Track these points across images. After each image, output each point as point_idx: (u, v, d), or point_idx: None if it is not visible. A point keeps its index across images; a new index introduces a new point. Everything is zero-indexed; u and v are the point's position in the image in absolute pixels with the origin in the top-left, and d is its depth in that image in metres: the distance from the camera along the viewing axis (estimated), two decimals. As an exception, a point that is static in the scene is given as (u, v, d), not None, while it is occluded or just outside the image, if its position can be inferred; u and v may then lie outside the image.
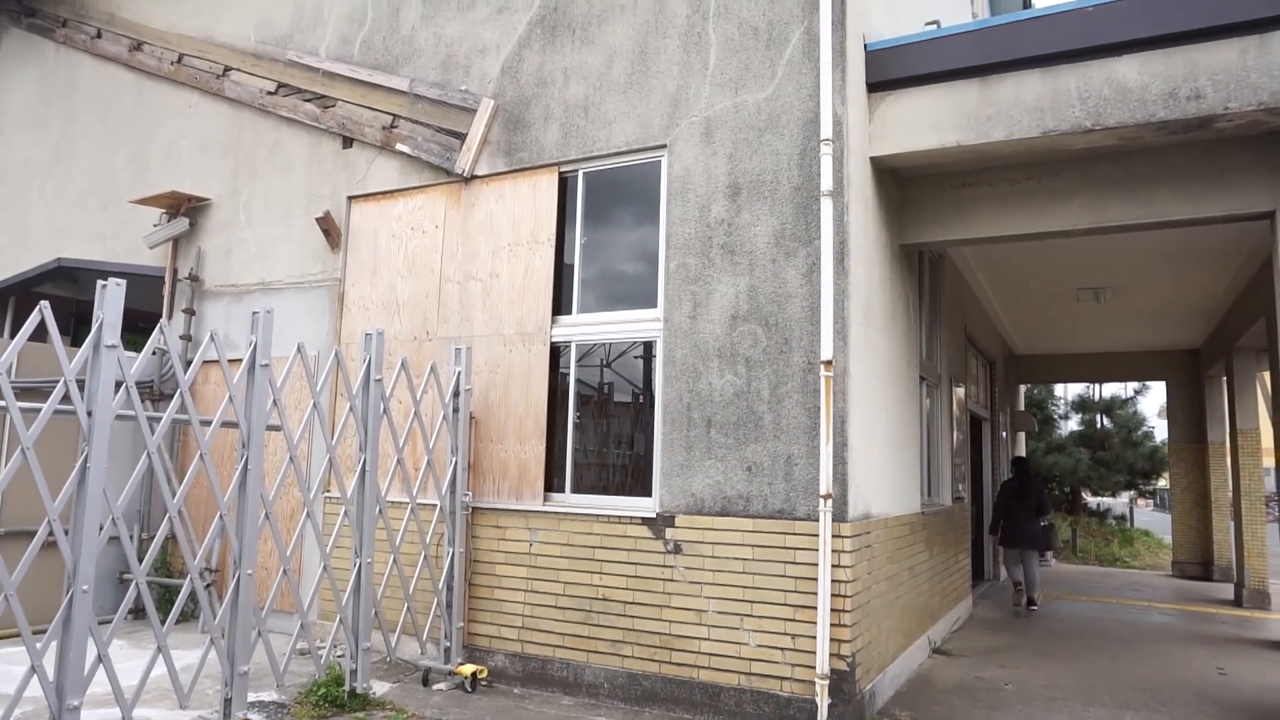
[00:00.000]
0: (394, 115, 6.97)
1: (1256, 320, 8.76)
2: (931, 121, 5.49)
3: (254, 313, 4.57)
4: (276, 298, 7.33)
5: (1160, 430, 20.26)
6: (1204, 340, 12.96)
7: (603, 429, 5.96)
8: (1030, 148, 5.45)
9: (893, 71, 5.58)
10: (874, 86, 5.61)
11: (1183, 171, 5.55)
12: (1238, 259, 8.45)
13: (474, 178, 6.49)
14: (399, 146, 6.82)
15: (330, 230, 7.06)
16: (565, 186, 6.19)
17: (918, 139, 5.52)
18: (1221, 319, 11.18)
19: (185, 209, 8.00)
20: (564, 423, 5.99)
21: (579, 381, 6.05)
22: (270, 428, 4.75)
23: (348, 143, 7.22)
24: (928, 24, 7.44)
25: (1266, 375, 11.52)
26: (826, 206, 4.98)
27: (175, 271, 7.97)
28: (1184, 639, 8.12)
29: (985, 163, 5.87)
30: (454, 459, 5.88)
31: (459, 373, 5.96)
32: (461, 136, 6.59)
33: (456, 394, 5.95)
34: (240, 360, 4.62)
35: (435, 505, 5.89)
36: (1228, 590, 11.64)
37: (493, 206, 6.39)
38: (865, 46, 5.61)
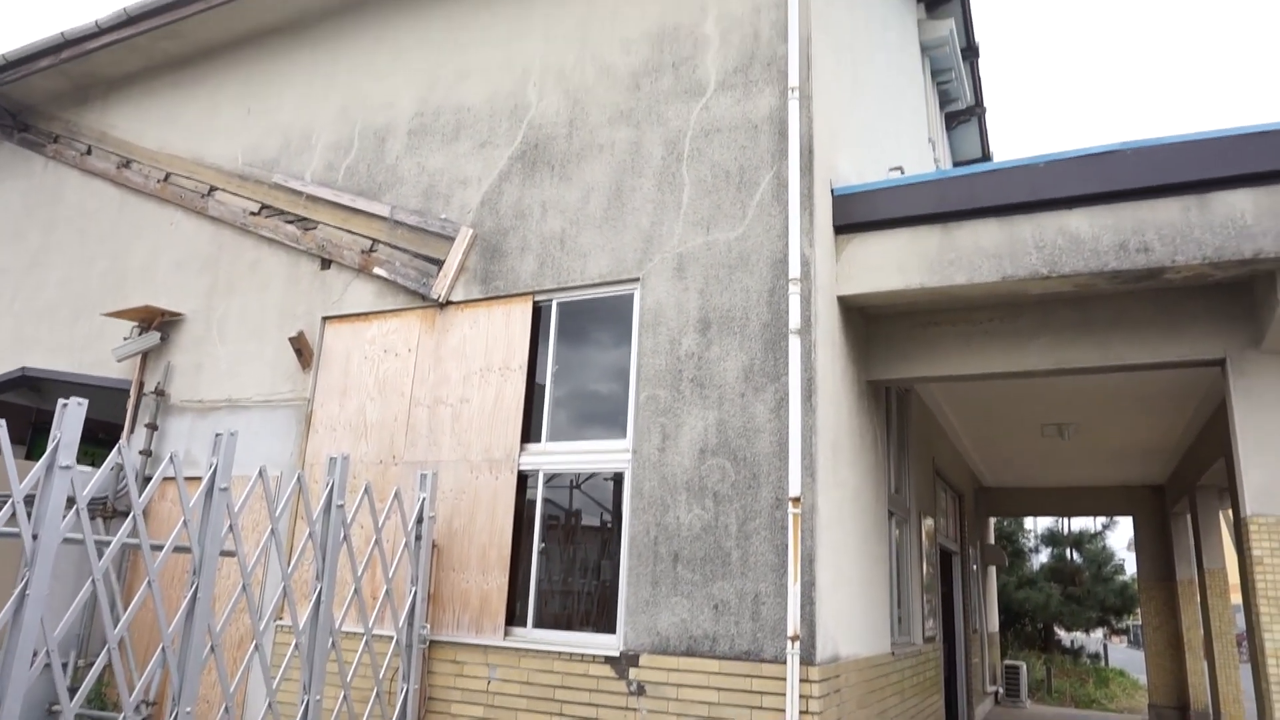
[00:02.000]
0: (374, 240, 7.11)
1: (1216, 460, 8.90)
2: (896, 264, 5.68)
3: (216, 434, 4.50)
4: (243, 416, 7.25)
5: (1130, 564, 20.21)
6: (1167, 477, 13.12)
7: (569, 557, 5.84)
8: (991, 291, 5.64)
9: (858, 215, 5.82)
10: (841, 229, 5.83)
11: (1138, 318, 5.76)
12: (1195, 400, 8.66)
13: (449, 303, 6.58)
14: (377, 270, 6.93)
15: (302, 350, 7.06)
16: (539, 315, 6.28)
17: (883, 280, 5.70)
18: (1183, 457, 11.36)
19: (158, 323, 7.99)
20: (529, 552, 5.86)
21: (547, 502, 5.96)
22: (224, 553, 4.60)
23: (326, 264, 7.32)
24: (891, 170, 7.82)
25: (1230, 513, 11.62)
26: (794, 344, 5.08)
27: (142, 385, 7.88)
28: (1164, 791, 7.84)
29: (948, 304, 6.06)
30: (414, 589, 5.70)
31: (424, 499, 5.86)
32: (439, 263, 6.71)
33: (420, 521, 5.83)
34: (200, 478, 4.52)
35: (392, 637, 5.67)
36: (1206, 737, 11.35)
37: (466, 332, 6.45)
38: (832, 191, 5.86)
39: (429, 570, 5.87)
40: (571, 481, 5.97)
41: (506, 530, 5.86)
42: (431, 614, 5.89)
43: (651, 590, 5.24)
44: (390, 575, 5.50)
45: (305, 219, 7.57)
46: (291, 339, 7.07)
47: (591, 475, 5.86)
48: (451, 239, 6.70)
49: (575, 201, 6.26)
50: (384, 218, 7.12)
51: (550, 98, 6.69)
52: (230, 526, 4.47)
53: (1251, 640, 5.50)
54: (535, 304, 6.27)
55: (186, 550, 4.35)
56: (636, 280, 5.86)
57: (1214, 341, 5.58)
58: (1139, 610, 14.71)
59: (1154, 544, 13.89)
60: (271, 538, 4.77)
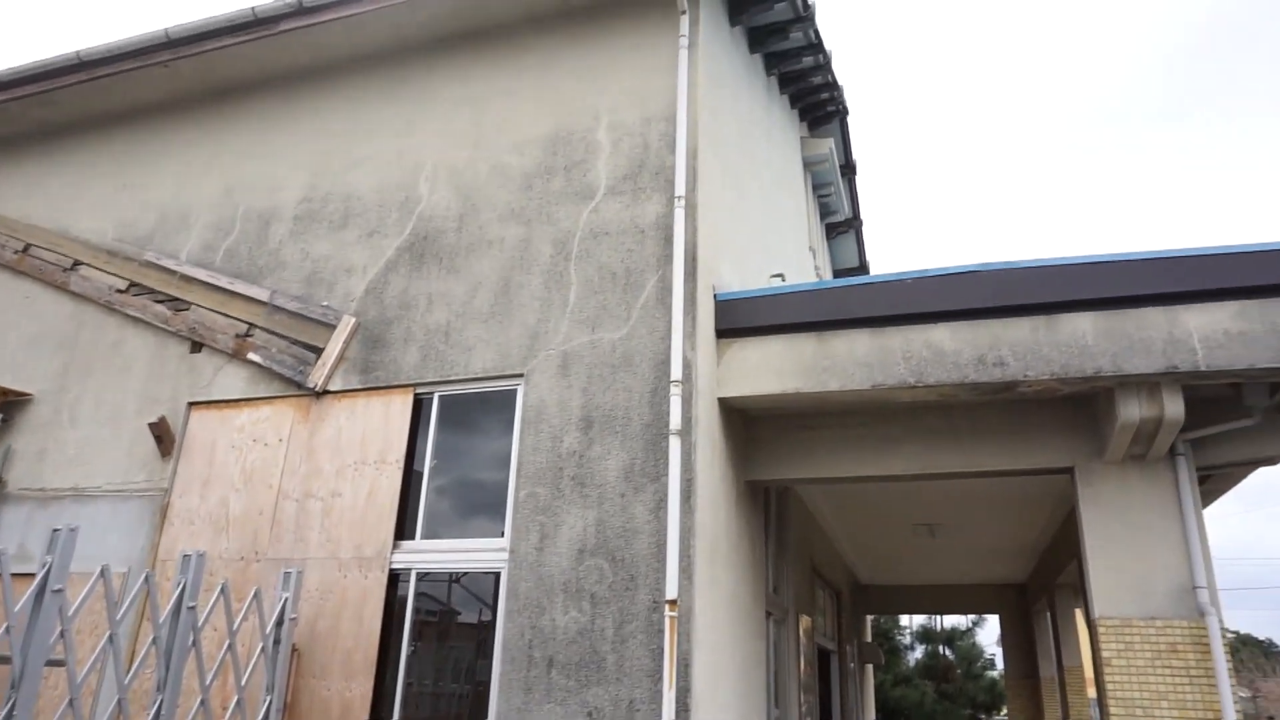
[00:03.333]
0: (250, 324, 6.87)
1: (1070, 561, 9.38)
2: (774, 369, 5.87)
3: (55, 529, 4.16)
4: (90, 506, 6.73)
5: (999, 660, 20.82)
6: (1028, 576, 13.71)
7: (441, 659, 5.59)
8: (863, 398, 5.89)
9: (740, 321, 6.02)
10: (722, 333, 6.00)
11: (996, 427, 6.10)
12: (1050, 504, 9.16)
13: (326, 393, 6.38)
14: (251, 356, 6.67)
15: (163, 436, 6.67)
16: (419, 408, 6.15)
17: (762, 384, 5.87)
18: (1041, 557, 11.93)
19: (0, 404, 7.41)
20: (397, 656, 5.58)
21: (423, 598, 5.71)
22: (52, 663, 4.19)
23: (196, 347, 7.01)
24: (773, 277, 8.17)
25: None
26: (674, 444, 5.14)
27: (-25, 471, 7.23)
28: None
29: (824, 408, 6.28)
30: (268, 698, 5.31)
31: (286, 599, 5.53)
32: (318, 351, 6.53)
33: (280, 623, 5.48)
34: (34, 575, 4.13)
35: (239, 752, 5.23)
36: (1070, 835, 11.59)
37: (342, 423, 6.25)
38: (715, 296, 6.05)
39: (287, 677, 5.49)
40: (451, 577, 5.76)
41: (374, 633, 5.58)
42: (287, 725, 5.49)
43: (524, 697, 5.05)
44: (243, 683, 5.12)
45: (177, 299, 7.27)
46: (152, 424, 6.67)
47: (486, 575, 5.68)
48: (333, 326, 6.54)
49: (462, 295, 6.25)
50: (263, 302, 6.91)
51: (442, 192, 6.74)
52: (61, 633, 4.09)
53: (1105, 740, 5.72)
54: (416, 396, 6.15)
55: (6, 660, 3.95)
56: (521, 376, 5.85)
57: (1063, 451, 5.96)
58: (1007, 708, 15.10)
59: (1018, 641, 14.39)
60: (110, 644, 4.39)
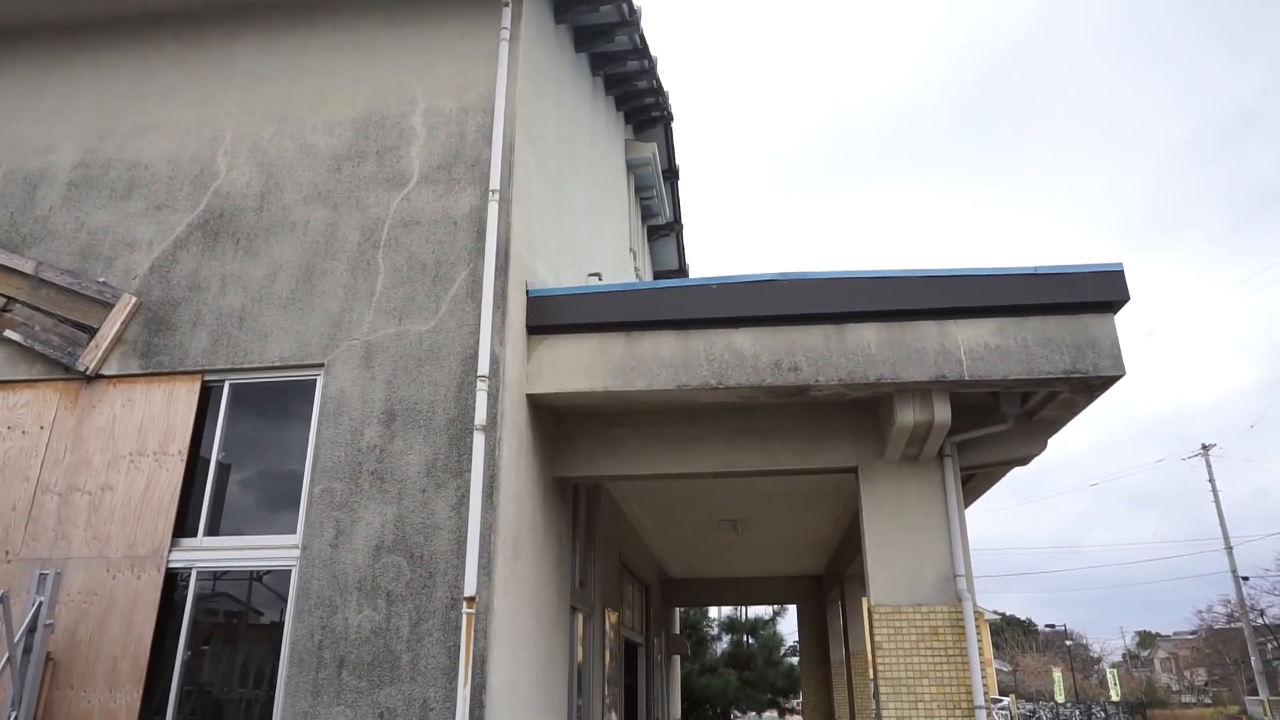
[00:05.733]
0: (9, 298, 6.18)
1: (858, 554, 10.08)
2: (584, 367, 5.95)
3: None
4: None
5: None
6: (824, 569, 14.62)
7: (225, 665, 5.25)
8: (668, 398, 6.07)
9: (551, 318, 6.05)
10: (533, 329, 6.01)
11: (792, 428, 6.47)
12: (842, 501, 9.82)
13: (100, 377, 5.84)
14: (9, 333, 6.00)
15: (-105, 422, 5.87)
16: (208, 396, 5.76)
17: (571, 381, 5.92)
18: (834, 551, 12.75)
19: None
20: (171, 661, 5.20)
21: (206, 602, 5.35)
22: None
23: (-58, 323, 6.22)
24: (590, 276, 8.26)
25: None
26: (479, 440, 5.10)
27: None
28: None
29: (631, 407, 6.42)
30: (13, 714, 4.81)
31: (40, 603, 5.02)
32: (92, 331, 5.96)
33: (33, 630, 4.98)
34: None
35: (-23, 775, 4.71)
36: (850, 808, 12.48)
37: (118, 411, 5.74)
38: (528, 292, 6.05)
39: (38, 689, 4.99)
40: (252, 575, 5.42)
41: (145, 638, 5.17)
42: (38, 742, 4.98)
43: (311, 701, 4.85)
44: (-17, 698, 4.61)
45: (-81, 267, 6.41)
46: (-119, 408, 5.86)
47: (270, 571, 5.37)
48: (110, 305, 6.00)
49: (260, 279, 5.91)
50: (26, 274, 6.23)
51: (242, 168, 6.34)
52: None
53: (877, 714, 6.20)
54: (205, 384, 5.75)
55: None
56: (321, 366, 5.60)
57: (850, 451, 6.41)
58: (802, 691, 16.03)
59: (813, 629, 15.33)
60: None
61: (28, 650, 4.93)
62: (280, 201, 6.15)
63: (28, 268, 6.25)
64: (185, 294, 5.97)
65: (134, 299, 5.98)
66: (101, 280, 6.13)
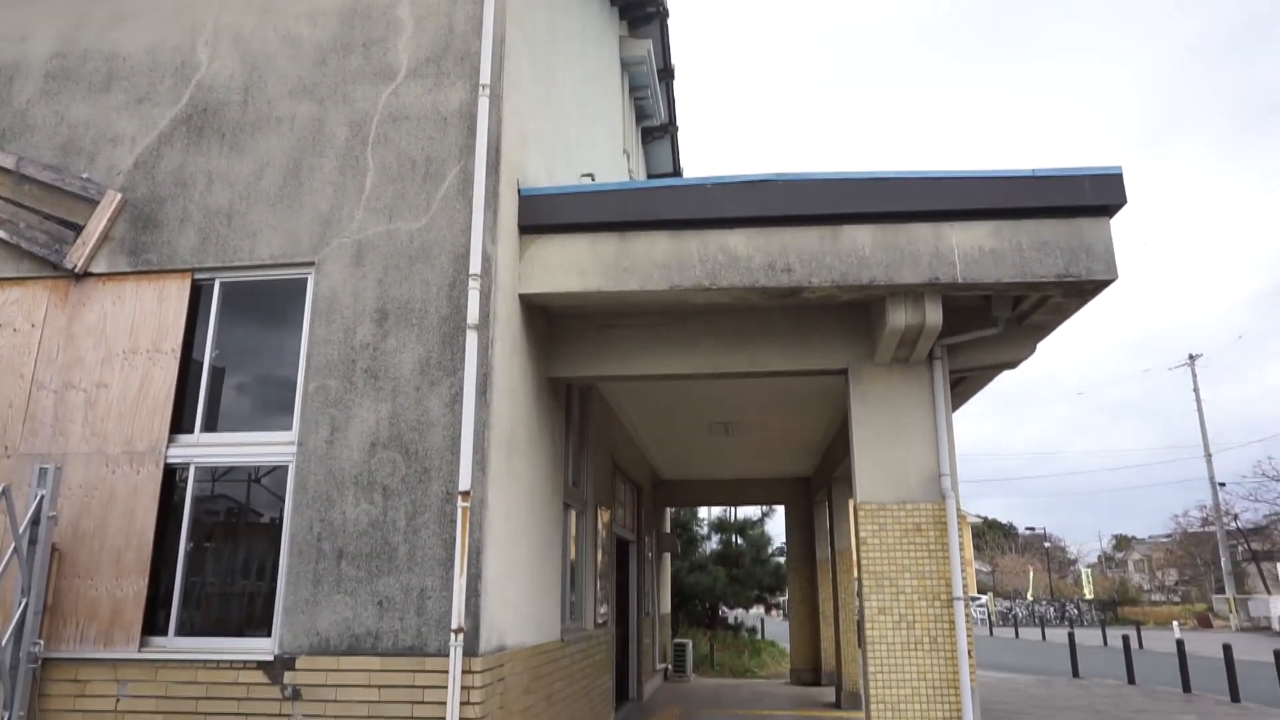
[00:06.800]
0: (-8, 195, 6.07)
1: (846, 456, 10.29)
2: (577, 267, 5.92)
3: None
4: None
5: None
6: (812, 471, 14.93)
7: (226, 557, 5.40)
8: (660, 299, 6.07)
9: (543, 217, 5.99)
10: (525, 229, 5.96)
11: (783, 330, 6.50)
12: (832, 404, 9.95)
13: (88, 275, 5.80)
14: (-6, 231, 5.93)
15: (-115, 319, 5.85)
16: (199, 295, 5.74)
17: (564, 281, 5.91)
18: (824, 454, 13.00)
19: None
20: (174, 553, 5.34)
21: (208, 498, 5.46)
22: None
23: (-76, 219, 6.12)
24: (583, 176, 8.15)
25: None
26: (471, 339, 5.12)
27: None
28: (792, 746, 8.94)
29: (624, 308, 6.43)
30: (24, 600, 4.96)
31: (42, 496, 5.12)
32: (78, 228, 5.89)
33: (37, 522, 5.09)
34: None
35: (-8, 658, 4.88)
36: (832, 693, 13.08)
37: (108, 309, 5.73)
38: (519, 191, 5.97)
39: (46, 578, 5.13)
40: (250, 475, 5.51)
41: (148, 530, 5.29)
42: (49, 628, 5.16)
43: (313, 589, 5.01)
44: (-7, 586, 4.74)
45: (-103, 161, 6.28)
46: None
47: (271, 471, 5.45)
48: (95, 202, 5.91)
49: (247, 175, 5.81)
50: (8, 170, 6.10)
51: (225, 60, 6.15)
52: None
53: (860, 608, 6.44)
54: (195, 282, 5.72)
55: None
56: (311, 265, 5.56)
57: (840, 354, 6.46)
58: (788, 588, 16.58)
59: (800, 529, 15.75)
60: None
61: (33, 541, 5.05)
62: (265, 95, 5.99)
63: (9, 163, 6.12)
64: (171, 190, 5.87)
65: (119, 195, 5.89)
66: (85, 176, 6.02)
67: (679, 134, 15.18)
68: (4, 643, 4.85)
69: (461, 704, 4.64)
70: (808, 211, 5.83)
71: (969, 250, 5.67)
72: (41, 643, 5.07)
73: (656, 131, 14.56)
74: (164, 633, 5.21)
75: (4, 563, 4.93)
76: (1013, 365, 6.66)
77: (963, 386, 7.62)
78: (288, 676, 4.89)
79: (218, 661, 4.98)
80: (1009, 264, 5.62)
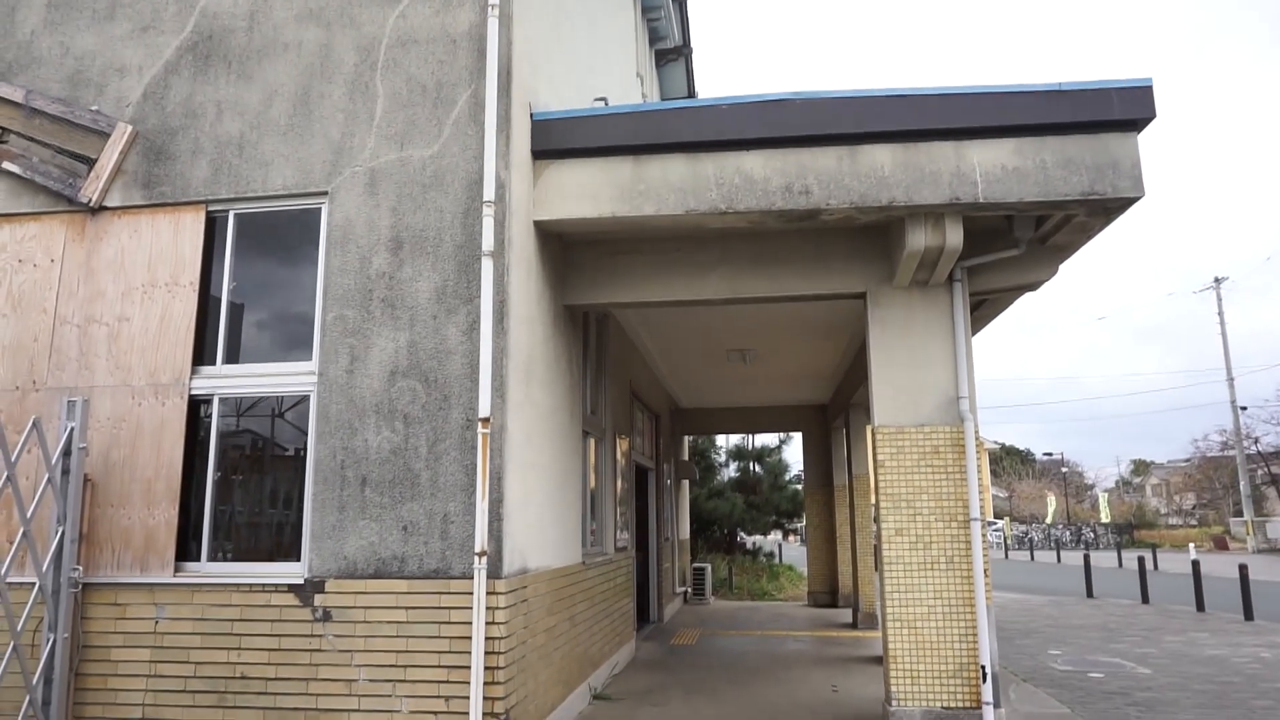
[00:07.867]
0: (3, 129, 6.04)
1: (863, 383, 10.28)
2: (591, 192, 5.85)
3: None
4: None
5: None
6: (830, 397, 14.95)
7: (253, 487, 5.51)
8: (676, 223, 6.00)
9: (556, 142, 5.90)
10: (539, 154, 5.88)
11: (800, 254, 6.43)
12: (849, 330, 9.91)
13: (103, 209, 5.80)
14: (7, 165, 5.92)
15: (-93, 256, 5.89)
16: (214, 227, 5.73)
17: (578, 207, 5.85)
18: (841, 380, 12.99)
19: None
20: (203, 483, 5.46)
21: (233, 434, 5.56)
22: None
23: (-62, 155, 6.11)
24: (596, 100, 7.99)
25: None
26: (487, 266, 5.10)
27: None
28: (811, 662, 9.17)
29: (640, 233, 6.37)
30: (61, 529, 5.10)
31: (72, 428, 5.21)
32: (90, 162, 5.87)
33: (68, 453, 5.19)
34: None
35: (34, 584, 5.05)
36: (849, 615, 13.35)
37: (125, 242, 5.74)
38: (531, 115, 5.87)
39: (80, 508, 5.27)
40: (273, 410, 5.58)
41: (176, 461, 5.40)
42: (86, 555, 5.32)
43: (338, 515, 5.12)
44: (29, 515, 4.87)
45: (-93, 97, 6.24)
46: (-109, 242, 5.87)
47: (296, 404, 5.51)
48: (106, 134, 5.87)
49: (256, 104, 5.74)
50: (17, 103, 6.06)
51: (227, -16, 6.01)
52: None
53: (878, 533, 6.52)
54: (209, 214, 5.71)
55: None
56: (325, 194, 5.53)
57: (858, 277, 6.39)
58: (805, 513, 16.78)
59: (817, 455, 15.85)
60: None
61: (66, 472, 5.17)
62: (270, 20, 5.87)
63: (18, 96, 6.07)
64: (182, 121, 5.82)
65: (130, 128, 5.84)
66: (94, 109, 5.96)
67: (694, 56, 14.81)
68: (45, 568, 5.01)
69: (487, 624, 4.77)
70: (826, 131, 5.71)
71: (991, 169, 5.55)
72: (80, 568, 5.23)
73: (670, 54, 14.22)
74: (196, 558, 5.36)
75: (39, 492, 5.05)
76: (1034, 287, 6.57)
77: (983, 310, 7.55)
78: (318, 599, 5.03)
79: (250, 585, 5.13)
80: (1032, 182, 5.49)
